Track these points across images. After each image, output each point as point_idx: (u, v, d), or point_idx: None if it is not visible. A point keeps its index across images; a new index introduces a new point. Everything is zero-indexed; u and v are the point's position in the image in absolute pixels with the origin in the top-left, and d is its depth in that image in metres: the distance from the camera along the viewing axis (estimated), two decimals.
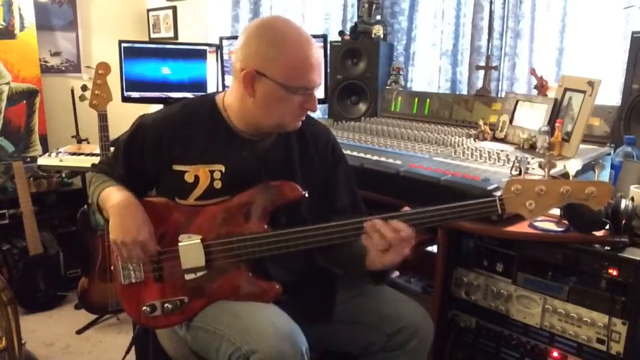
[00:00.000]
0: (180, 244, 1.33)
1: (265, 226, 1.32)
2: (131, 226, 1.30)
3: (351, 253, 1.36)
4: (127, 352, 2.25)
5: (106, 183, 1.41)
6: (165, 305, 1.33)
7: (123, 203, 1.32)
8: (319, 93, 2.65)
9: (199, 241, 1.33)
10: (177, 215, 1.36)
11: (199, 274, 1.33)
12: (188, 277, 1.34)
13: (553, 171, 1.37)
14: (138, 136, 1.40)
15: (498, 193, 1.28)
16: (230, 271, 1.32)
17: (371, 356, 1.43)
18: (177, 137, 1.37)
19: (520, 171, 1.44)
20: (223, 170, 1.35)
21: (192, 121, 1.38)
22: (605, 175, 1.64)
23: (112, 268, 1.43)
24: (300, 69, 1.26)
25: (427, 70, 2.71)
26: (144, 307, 1.35)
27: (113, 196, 1.35)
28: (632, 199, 1.36)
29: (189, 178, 1.35)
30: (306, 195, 1.34)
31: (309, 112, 1.38)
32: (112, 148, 2.41)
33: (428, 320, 1.42)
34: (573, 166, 1.50)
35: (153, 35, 3.95)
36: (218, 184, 1.35)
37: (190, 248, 1.33)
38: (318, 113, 3.00)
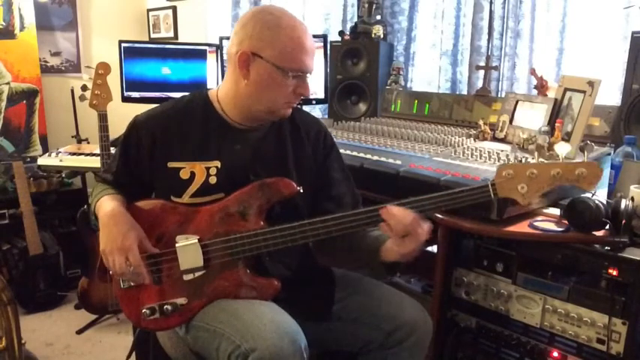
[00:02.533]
0: (177, 245, 1.33)
1: (262, 223, 1.32)
2: (116, 235, 1.30)
3: (364, 246, 1.37)
4: (129, 355, 2.24)
5: (102, 193, 1.42)
6: (165, 307, 1.33)
7: (109, 214, 1.33)
8: (319, 93, 2.67)
9: (197, 241, 1.33)
10: (174, 216, 1.36)
11: (198, 274, 1.33)
12: (187, 277, 1.34)
13: None
14: (132, 136, 1.41)
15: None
16: (228, 269, 1.32)
17: (369, 354, 1.43)
18: (172, 134, 1.38)
19: None
20: (219, 166, 1.36)
21: (185, 117, 1.39)
22: (604, 175, 1.64)
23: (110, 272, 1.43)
24: (294, 51, 1.29)
25: (427, 70, 2.71)
26: (143, 310, 1.35)
27: (103, 207, 1.36)
28: (632, 199, 1.36)
29: (184, 174, 1.36)
30: (301, 191, 1.34)
31: (301, 99, 1.39)
32: (112, 149, 2.43)
33: (426, 318, 1.42)
34: (562, 149, 1.50)
35: (153, 35, 3.96)
36: (213, 180, 1.36)
37: (188, 249, 1.33)
38: (319, 113, 3.00)
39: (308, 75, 1.34)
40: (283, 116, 1.39)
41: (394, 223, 1.22)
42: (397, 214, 1.22)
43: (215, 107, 1.40)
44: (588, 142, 1.61)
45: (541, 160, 1.55)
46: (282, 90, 1.32)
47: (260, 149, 1.40)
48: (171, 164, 1.37)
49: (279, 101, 1.34)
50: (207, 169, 1.36)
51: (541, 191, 1.23)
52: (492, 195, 1.23)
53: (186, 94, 1.47)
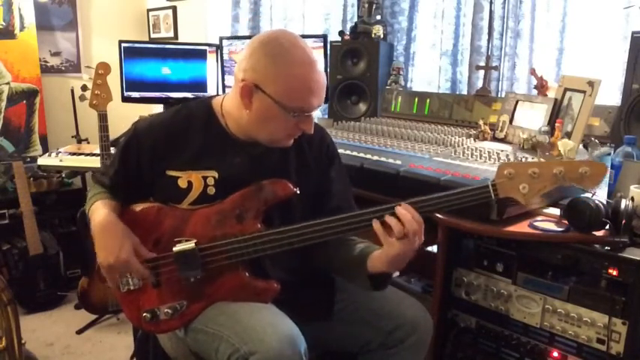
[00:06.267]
0: (175, 248, 1.33)
1: (259, 226, 1.31)
2: (113, 247, 1.29)
3: (352, 258, 1.35)
4: (133, 356, 2.24)
5: (96, 196, 1.41)
6: (165, 310, 1.33)
7: (102, 223, 1.32)
8: None
9: (194, 245, 1.32)
10: (171, 220, 1.35)
11: (197, 277, 1.33)
12: (185, 280, 1.33)
13: None
14: (133, 143, 1.40)
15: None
16: (227, 272, 1.32)
17: (370, 354, 1.43)
18: (172, 143, 1.37)
19: None
20: (217, 176, 1.35)
21: (187, 127, 1.38)
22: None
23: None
24: (298, 91, 1.25)
25: (427, 70, 2.71)
26: (144, 314, 1.35)
27: (95, 215, 1.35)
28: (632, 199, 1.36)
29: (182, 183, 1.35)
30: (298, 192, 1.33)
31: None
32: (112, 149, 2.43)
33: (426, 317, 1.42)
34: (565, 145, 1.49)
35: (153, 35, 3.96)
36: (212, 190, 1.35)
37: (186, 252, 1.32)
38: (318, 113, 3.00)
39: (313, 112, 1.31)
40: (284, 146, 1.36)
41: (394, 223, 1.20)
42: (405, 214, 1.20)
43: (219, 119, 1.38)
44: (593, 138, 1.58)
45: (542, 159, 1.56)
46: (283, 124, 1.29)
47: (261, 162, 1.38)
48: (170, 173, 1.36)
49: (280, 134, 1.32)
50: (205, 178, 1.35)
51: (543, 191, 1.20)
52: (493, 195, 1.22)
53: (189, 96, 1.46)
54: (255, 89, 1.25)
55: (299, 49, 1.26)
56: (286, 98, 1.25)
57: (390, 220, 1.21)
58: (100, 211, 1.35)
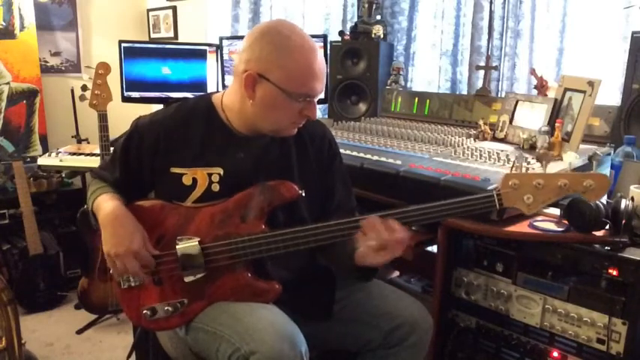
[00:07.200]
0: (178, 246, 1.33)
1: (263, 226, 1.32)
2: (123, 237, 1.29)
3: (342, 251, 1.35)
4: (130, 354, 2.24)
5: (100, 190, 1.41)
6: (166, 308, 1.33)
7: (112, 214, 1.32)
8: None
9: (197, 243, 1.32)
10: (175, 217, 1.35)
11: (199, 275, 1.33)
12: (187, 279, 1.33)
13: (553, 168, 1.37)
14: (134, 139, 1.40)
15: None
16: (229, 272, 1.32)
17: (370, 353, 1.43)
18: (174, 139, 1.36)
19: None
20: (222, 173, 1.35)
21: (188, 123, 1.38)
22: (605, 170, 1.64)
23: (110, 271, 1.43)
24: (302, 76, 1.26)
25: (427, 70, 2.71)
26: (144, 311, 1.34)
27: (103, 207, 1.35)
28: (632, 199, 1.36)
29: (186, 180, 1.35)
30: (303, 194, 1.33)
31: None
32: (112, 149, 2.43)
33: (426, 316, 1.42)
34: (571, 157, 1.49)
35: (153, 35, 3.96)
36: (216, 187, 1.35)
37: (189, 250, 1.32)
38: (318, 113, 3.00)
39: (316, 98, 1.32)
40: (288, 135, 1.37)
41: (372, 237, 1.21)
42: (377, 228, 1.21)
43: (219, 114, 1.39)
44: (597, 152, 1.59)
45: (544, 160, 1.56)
46: (288, 112, 1.30)
47: (264, 157, 1.38)
48: (174, 170, 1.36)
49: (285, 122, 1.32)
50: (210, 175, 1.35)
51: (547, 202, 1.21)
52: (497, 205, 1.23)
53: (189, 95, 1.45)
54: (258, 78, 1.26)
55: (298, 36, 1.27)
56: (290, 85, 1.25)
57: (369, 233, 1.22)
58: (108, 203, 1.35)
